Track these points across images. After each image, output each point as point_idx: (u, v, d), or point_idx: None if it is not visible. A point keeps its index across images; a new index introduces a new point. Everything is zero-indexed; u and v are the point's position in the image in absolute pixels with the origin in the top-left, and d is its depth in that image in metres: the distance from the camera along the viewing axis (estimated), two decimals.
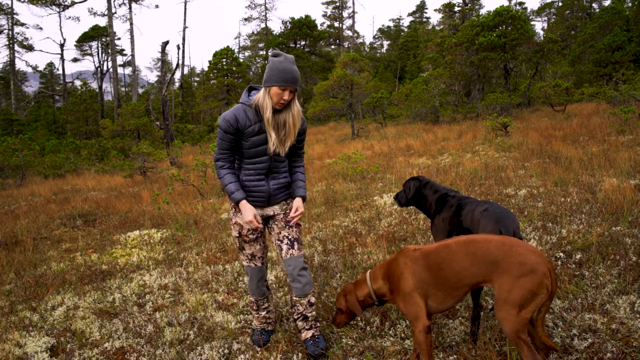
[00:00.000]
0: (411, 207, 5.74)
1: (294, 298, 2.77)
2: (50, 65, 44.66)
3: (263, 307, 2.97)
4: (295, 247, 2.72)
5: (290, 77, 2.48)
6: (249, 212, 2.61)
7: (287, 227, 2.75)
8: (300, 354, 2.75)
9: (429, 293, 2.30)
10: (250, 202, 2.69)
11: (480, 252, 2.15)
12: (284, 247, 2.73)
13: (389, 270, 2.47)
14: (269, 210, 2.77)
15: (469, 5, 38.67)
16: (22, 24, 36.52)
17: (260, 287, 2.91)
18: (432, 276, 2.28)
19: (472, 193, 6.01)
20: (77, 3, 34.13)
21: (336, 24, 46.50)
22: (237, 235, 2.80)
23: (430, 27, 46.40)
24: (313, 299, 2.80)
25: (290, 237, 2.74)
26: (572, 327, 2.63)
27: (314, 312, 2.82)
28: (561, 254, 3.60)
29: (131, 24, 32.24)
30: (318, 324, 2.85)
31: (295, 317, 2.80)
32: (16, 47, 36.09)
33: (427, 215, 3.34)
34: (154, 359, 2.86)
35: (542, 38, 24.13)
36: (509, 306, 2.03)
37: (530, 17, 41.92)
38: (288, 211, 2.79)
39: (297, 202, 2.74)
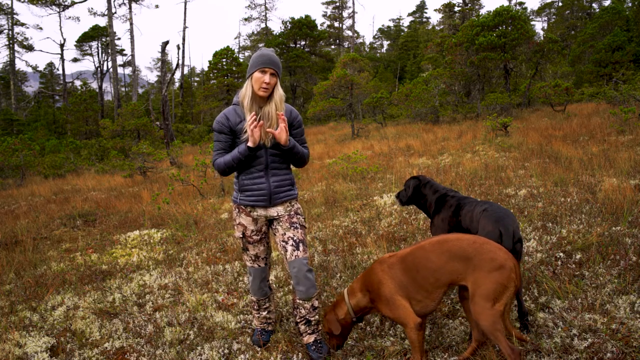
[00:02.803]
0: (411, 207, 5.74)
1: (297, 301, 2.72)
2: (50, 65, 44.66)
3: (264, 307, 2.97)
4: (301, 248, 2.67)
5: (267, 59, 2.53)
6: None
7: (292, 228, 2.70)
8: (300, 354, 2.75)
9: (409, 296, 2.37)
10: (251, 202, 2.69)
11: (454, 250, 2.27)
12: (289, 248, 2.66)
13: (366, 281, 2.52)
14: (273, 212, 2.72)
15: (469, 5, 38.67)
16: (22, 24, 36.51)
17: (262, 288, 2.91)
18: (410, 278, 2.36)
19: (472, 193, 6.01)
20: (77, 3, 34.13)
21: (336, 24, 46.50)
22: (241, 236, 2.78)
23: (430, 27, 46.40)
24: (317, 303, 2.75)
25: (295, 238, 2.68)
26: (572, 327, 2.63)
27: (317, 317, 2.77)
28: (561, 254, 3.60)
29: (131, 24, 32.24)
30: (320, 328, 2.82)
31: (298, 320, 2.77)
32: (16, 47, 36.10)
33: (427, 215, 3.34)
34: (154, 359, 2.86)
35: (542, 38, 24.11)
36: (483, 300, 2.15)
37: (530, 17, 41.92)
38: (292, 213, 2.75)
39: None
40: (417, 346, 2.35)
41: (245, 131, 2.59)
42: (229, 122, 2.62)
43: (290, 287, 3.78)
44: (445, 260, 2.27)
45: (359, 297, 2.54)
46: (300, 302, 2.71)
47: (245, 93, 2.59)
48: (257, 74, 2.54)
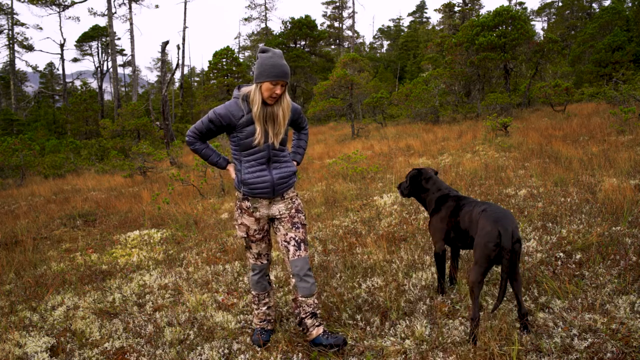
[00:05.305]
0: (411, 207, 5.74)
1: (301, 298, 2.79)
2: (50, 65, 44.67)
3: (264, 302, 2.99)
4: (302, 248, 2.77)
5: (280, 71, 2.53)
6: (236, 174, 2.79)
7: (295, 228, 2.78)
8: (300, 354, 2.75)
9: None
10: (255, 195, 2.71)
11: None
12: (291, 248, 2.76)
13: None
14: (275, 210, 2.78)
15: (469, 5, 38.68)
16: (22, 24, 36.51)
17: (262, 282, 2.95)
18: None
19: (472, 193, 6.01)
20: (77, 3, 34.14)
21: (336, 24, 46.49)
22: (245, 235, 2.83)
23: (430, 27, 46.42)
24: (317, 300, 2.85)
25: (297, 238, 2.77)
26: (572, 327, 2.63)
27: (320, 310, 2.87)
28: (561, 254, 3.60)
29: (131, 24, 32.24)
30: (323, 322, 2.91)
31: (303, 316, 2.82)
32: (16, 47, 36.11)
33: (426, 210, 3.35)
34: (154, 359, 2.86)
35: (542, 38, 24.12)
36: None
37: (530, 17, 41.93)
38: (294, 212, 2.80)
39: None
40: None
41: (245, 126, 2.61)
42: (229, 118, 2.60)
43: (290, 288, 3.77)
44: None
45: None
46: (304, 298, 2.78)
47: (254, 99, 2.57)
48: (267, 85, 2.53)
